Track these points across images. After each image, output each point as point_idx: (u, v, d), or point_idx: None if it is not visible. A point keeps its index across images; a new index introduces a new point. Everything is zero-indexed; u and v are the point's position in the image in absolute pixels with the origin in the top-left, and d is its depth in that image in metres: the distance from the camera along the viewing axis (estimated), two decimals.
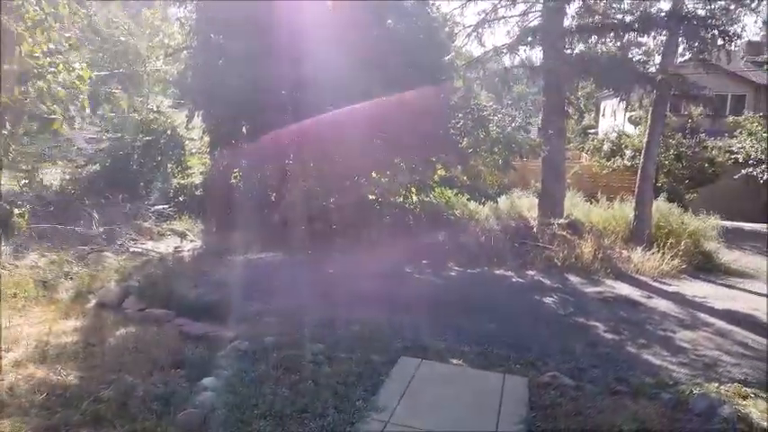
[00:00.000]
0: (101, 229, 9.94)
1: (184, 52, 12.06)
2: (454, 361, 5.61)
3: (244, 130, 12.48)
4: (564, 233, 10.91)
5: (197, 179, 13.60)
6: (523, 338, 6.45)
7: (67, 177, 13.81)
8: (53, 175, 14.08)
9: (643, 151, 12.49)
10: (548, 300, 8.34)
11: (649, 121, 12.43)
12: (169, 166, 14.59)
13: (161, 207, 11.90)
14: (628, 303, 8.19)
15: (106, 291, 6.74)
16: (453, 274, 9.71)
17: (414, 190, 11.52)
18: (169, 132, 14.52)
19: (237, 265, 9.20)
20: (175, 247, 10.00)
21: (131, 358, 5.19)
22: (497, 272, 9.77)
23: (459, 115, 10.76)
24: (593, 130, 32.48)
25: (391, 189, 11.17)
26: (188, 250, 9.89)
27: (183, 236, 10.80)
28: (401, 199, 11.90)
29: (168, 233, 10.87)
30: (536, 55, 12.84)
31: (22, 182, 12.78)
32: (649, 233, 11.49)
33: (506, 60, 11.99)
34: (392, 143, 10.48)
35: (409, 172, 10.44)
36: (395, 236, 11.01)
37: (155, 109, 15.18)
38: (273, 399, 4.51)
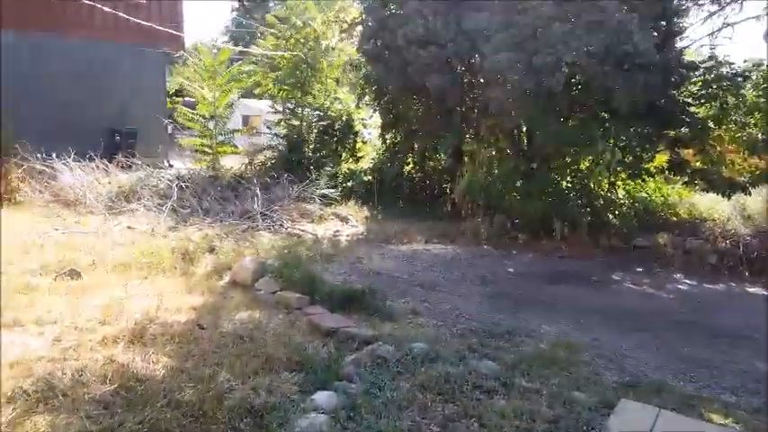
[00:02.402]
0: (261, 209, 9.26)
1: (358, 28, 11.14)
2: (715, 417, 3.39)
3: (418, 111, 11.15)
4: None
5: (366, 164, 12.62)
6: None
7: (247, 161, 13.83)
8: (236, 160, 14.28)
9: None
10: None
11: None
12: (341, 151, 13.92)
13: (328, 191, 11.04)
14: None
15: (240, 268, 5.71)
16: (683, 287, 7.14)
17: (623, 176, 9.03)
18: (344, 118, 13.82)
19: (398, 255, 7.76)
20: (334, 232, 8.93)
21: (240, 350, 3.94)
22: (752, 289, 6.96)
23: (696, 74, 8.05)
24: None
25: (591, 176, 8.87)
26: (347, 235, 8.74)
27: (344, 220, 9.75)
28: (604, 190, 9.50)
29: (331, 217, 9.90)
30: None
31: (205, 165, 13.04)
32: None
33: None
34: (593, 113, 8.23)
35: (616, 152, 8.06)
36: (595, 234, 8.68)
37: (332, 95, 14.63)
38: None
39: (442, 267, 7.37)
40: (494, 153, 9.78)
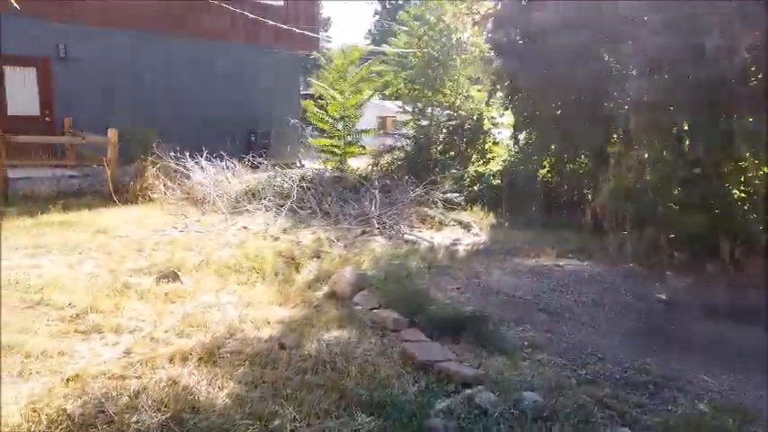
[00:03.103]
0: (378, 212, 8.82)
1: (490, 21, 10.26)
2: None
3: (556, 107, 9.99)
4: None
5: (495, 166, 11.68)
6: None
7: (372, 162, 13.61)
8: (364, 161, 14.14)
9: None
10: None
11: None
12: (471, 152, 13.12)
13: (452, 195, 10.35)
14: None
15: (339, 278, 5.23)
16: None
17: None
18: (475, 117, 13.01)
19: (522, 271, 6.82)
20: (453, 240, 8.20)
21: (317, 380, 3.42)
22: None
23: None
24: None
25: None
26: (466, 245, 7.96)
27: (467, 228, 8.97)
28: None
29: (452, 223, 9.18)
30: None
31: (332, 166, 13.01)
32: None
33: None
34: None
35: None
36: None
37: (463, 93, 13.90)
38: None
39: (574, 289, 6.31)
40: (646, 155, 8.34)
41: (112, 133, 9.30)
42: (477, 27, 11.42)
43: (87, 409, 2.80)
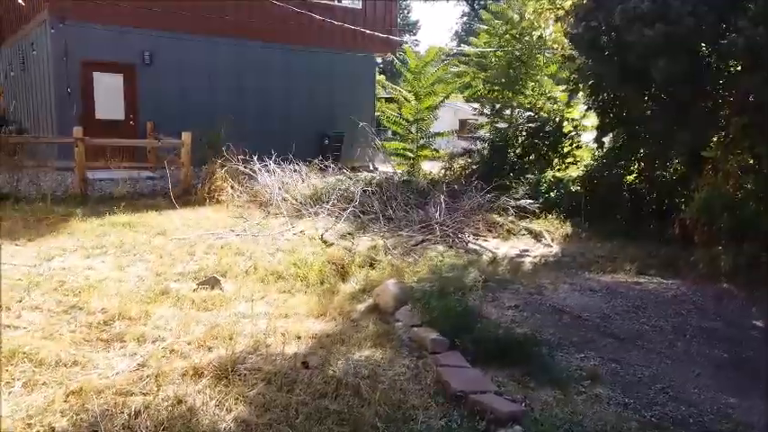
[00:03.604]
0: (442, 219, 8.41)
1: (573, 15, 9.51)
2: None
3: (644, 107, 9.11)
4: None
5: (575, 172, 10.86)
6: None
7: (447, 166, 13.21)
8: (438, 165, 13.78)
9: None
10: None
11: None
12: (553, 156, 12.34)
13: (526, 202, 9.72)
14: None
15: (383, 291, 4.92)
16: None
17: None
18: (557, 119, 12.22)
19: (594, 288, 6.17)
20: (521, 250, 7.64)
21: (335, 406, 3.13)
22: None
23: None
24: None
25: None
26: (534, 256, 7.38)
27: (538, 237, 8.34)
28: None
29: (522, 232, 8.59)
30: None
31: (403, 170, 12.77)
32: None
33: None
34: None
35: None
36: None
37: (546, 93, 13.13)
38: None
39: (652, 311, 5.59)
40: (747, 161, 7.35)
41: (186, 136, 9.57)
42: (559, 23, 10.68)
43: (79, 427, 2.67)
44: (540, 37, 12.29)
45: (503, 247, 7.81)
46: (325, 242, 6.81)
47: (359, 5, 15.14)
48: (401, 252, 6.90)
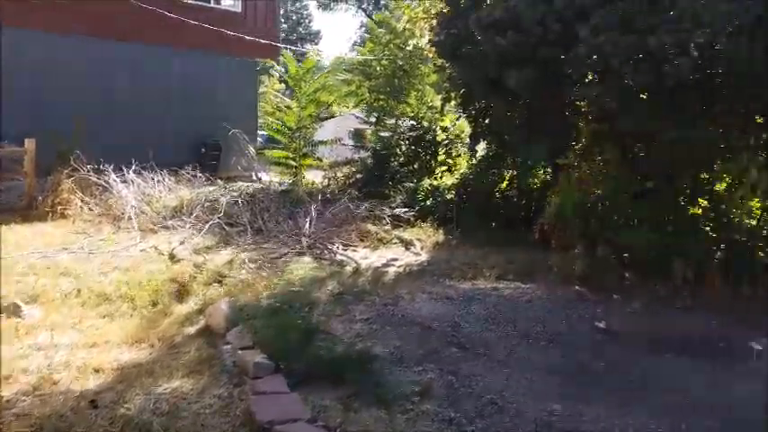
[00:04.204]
0: (312, 230, 8.13)
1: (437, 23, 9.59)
2: None
3: (509, 116, 9.34)
4: None
5: (450, 180, 11.01)
6: None
7: (330, 176, 12.97)
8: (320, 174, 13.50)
9: None
10: None
11: None
12: (435, 165, 12.45)
13: (401, 210, 9.66)
14: None
15: (215, 311, 4.53)
16: None
17: None
18: (434, 128, 12.37)
19: (452, 296, 6.12)
20: (388, 260, 7.51)
21: None
22: None
23: None
24: None
25: (731, 200, 6.54)
26: (400, 266, 7.27)
27: (408, 246, 8.27)
28: (753, 220, 7.04)
29: (394, 241, 8.49)
30: None
31: (287, 179, 12.39)
32: None
33: None
34: (734, 114, 5.97)
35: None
36: (734, 279, 6.30)
37: (428, 102, 13.30)
38: None
39: (504, 317, 5.60)
40: (598, 167, 7.71)
41: (29, 143, 8.63)
42: (432, 32, 10.81)
43: None
44: (416, 46, 12.41)
45: (371, 257, 7.65)
46: (172, 258, 6.28)
47: (238, 9, 14.60)
48: (260, 266, 6.52)
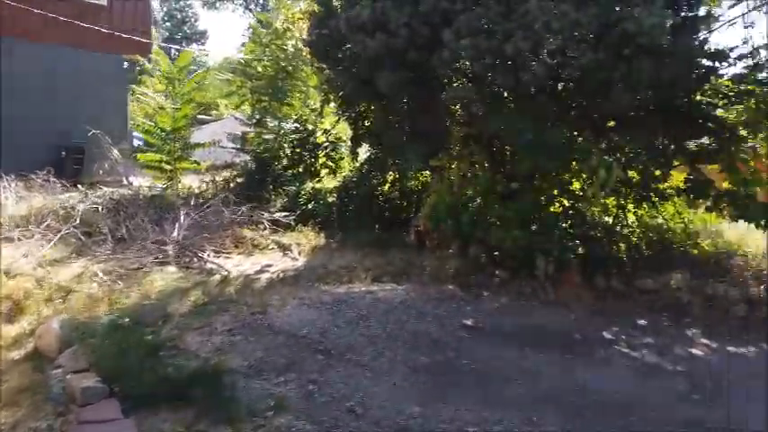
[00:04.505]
0: (180, 237, 7.63)
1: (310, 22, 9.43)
2: None
3: (389, 120, 9.36)
4: None
5: (333, 183, 10.90)
6: None
7: (208, 179, 12.35)
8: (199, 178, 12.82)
9: None
10: None
11: None
12: (320, 168, 12.26)
13: (281, 215, 9.37)
14: None
15: (46, 331, 4.04)
16: (698, 352, 5.13)
17: (630, 200, 7.13)
18: (317, 131, 12.20)
19: (325, 302, 5.96)
20: (263, 266, 7.22)
21: None
22: None
23: (720, 63, 6.06)
24: None
25: (585, 198, 6.98)
26: (275, 272, 7.02)
27: (285, 250, 8.03)
28: (612, 216, 7.57)
29: (272, 246, 8.21)
30: None
31: (162, 183, 11.63)
32: None
33: None
34: (586, 118, 6.39)
35: (615, 168, 6.12)
36: (591, 273, 6.73)
37: (311, 104, 13.08)
38: None
39: (375, 320, 5.54)
40: (469, 168, 7.93)
41: None
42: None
43: None
44: (296, 47, 12.19)
45: (245, 264, 7.32)
46: (7, 273, 5.58)
47: (104, 2, 13.52)
48: (115, 278, 5.98)
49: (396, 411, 3.69)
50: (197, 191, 11.63)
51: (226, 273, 6.63)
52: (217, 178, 12.31)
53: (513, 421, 3.65)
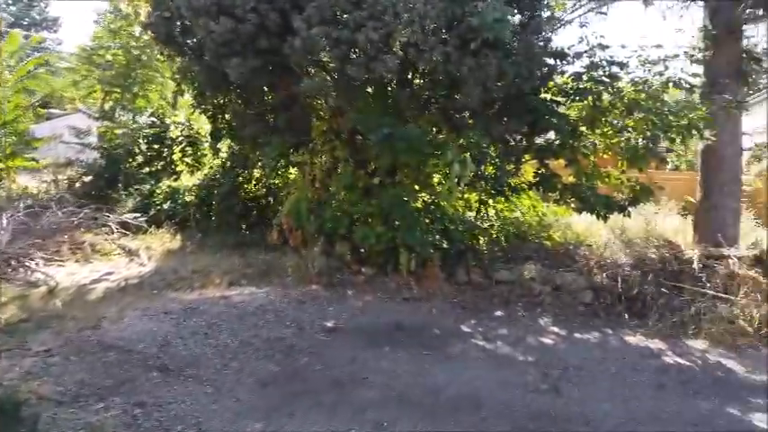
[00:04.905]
0: (3, 243, 6.61)
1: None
2: None
3: (245, 112, 8.85)
4: (749, 273, 6.19)
5: (192, 180, 10.19)
6: None
7: (52, 180, 11.03)
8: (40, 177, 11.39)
9: None
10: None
11: None
12: (179, 165, 11.39)
13: (131, 216, 8.53)
14: None
15: None
16: (548, 340, 5.32)
17: (488, 194, 7.32)
18: (170, 124, 11.33)
19: (171, 310, 5.45)
20: (102, 274, 6.48)
21: None
22: (632, 339, 5.29)
23: (562, 62, 6.39)
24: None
25: (442, 193, 7.06)
26: (116, 280, 6.33)
27: (132, 255, 7.29)
28: (473, 210, 7.74)
29: (117, 251, 7.42)
30: None
31: None
32: None
33: None
34: (441, 112, 6.44)
35: (467, 162, 6.21)
36: (452, 267, 6.80)
37: (168, 97, 12.16)
38: None
39: (227, 327, 5.13)
40: (332, 164, 7.70)
41: None
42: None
43: None
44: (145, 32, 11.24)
45: (81, 273, 6.52)
46: None
47: None
48: None
49: (236, 430, 3.34)
50: (33, 192, 10.34)
51: (54, 284, 5.82)
52: (59, 177, 11.03)
53: (364, 428, 3.46)
